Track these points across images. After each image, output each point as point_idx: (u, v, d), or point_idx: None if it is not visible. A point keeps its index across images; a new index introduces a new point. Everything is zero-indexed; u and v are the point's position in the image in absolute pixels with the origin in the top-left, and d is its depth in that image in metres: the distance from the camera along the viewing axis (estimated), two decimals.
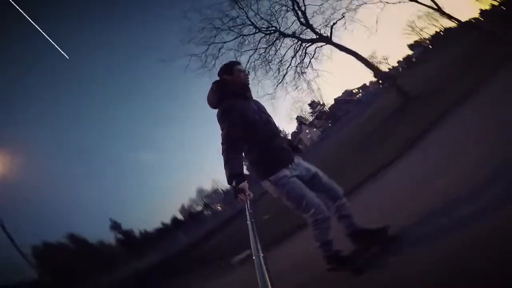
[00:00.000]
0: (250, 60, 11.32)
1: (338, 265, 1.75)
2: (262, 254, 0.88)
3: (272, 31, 11.34)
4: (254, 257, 0.87)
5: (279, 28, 11.25)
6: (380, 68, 11.10)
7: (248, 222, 1.12)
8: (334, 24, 10.84)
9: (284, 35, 11.31)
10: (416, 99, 9.05)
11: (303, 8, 10.96)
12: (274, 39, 11.34)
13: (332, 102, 47.24)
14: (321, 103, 42.94)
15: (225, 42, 11.19)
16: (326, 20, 10.97)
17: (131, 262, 29.13)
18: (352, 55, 10.56)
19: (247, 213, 1.24)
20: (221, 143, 1.67)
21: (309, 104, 45.73)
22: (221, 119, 1.74)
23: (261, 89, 11.64)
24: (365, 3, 10.70)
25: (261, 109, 1.90)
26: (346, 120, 32.55)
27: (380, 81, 21.25)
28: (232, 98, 1.79)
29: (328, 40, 10.98)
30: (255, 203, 1.46)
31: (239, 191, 1.49)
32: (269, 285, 0.78)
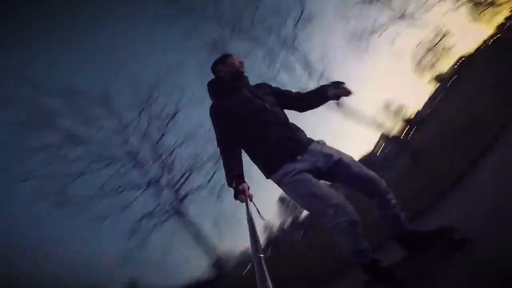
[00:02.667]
0: None
1: (375, 277, 1.36)
2: (262, 255, 0.87)
3: None
4: (254, 258, 0.87)
5: None
6: None
7: (248, 223, 1.08)
8: None
9: None
10: None
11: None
12: None
13: None
14: None
15: None
16: None
17: None
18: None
19: (247, 213, 1.20)
20: (217, 146, 1.58)
21: None
22: (212, 121, 1.64)
23: None
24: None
25: (257, 95, 1.65)
26: None
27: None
28: (222, 96, 1.66)
29: None
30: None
31: (239, 192, 1.40)
32: (270, 286, 0.77)
